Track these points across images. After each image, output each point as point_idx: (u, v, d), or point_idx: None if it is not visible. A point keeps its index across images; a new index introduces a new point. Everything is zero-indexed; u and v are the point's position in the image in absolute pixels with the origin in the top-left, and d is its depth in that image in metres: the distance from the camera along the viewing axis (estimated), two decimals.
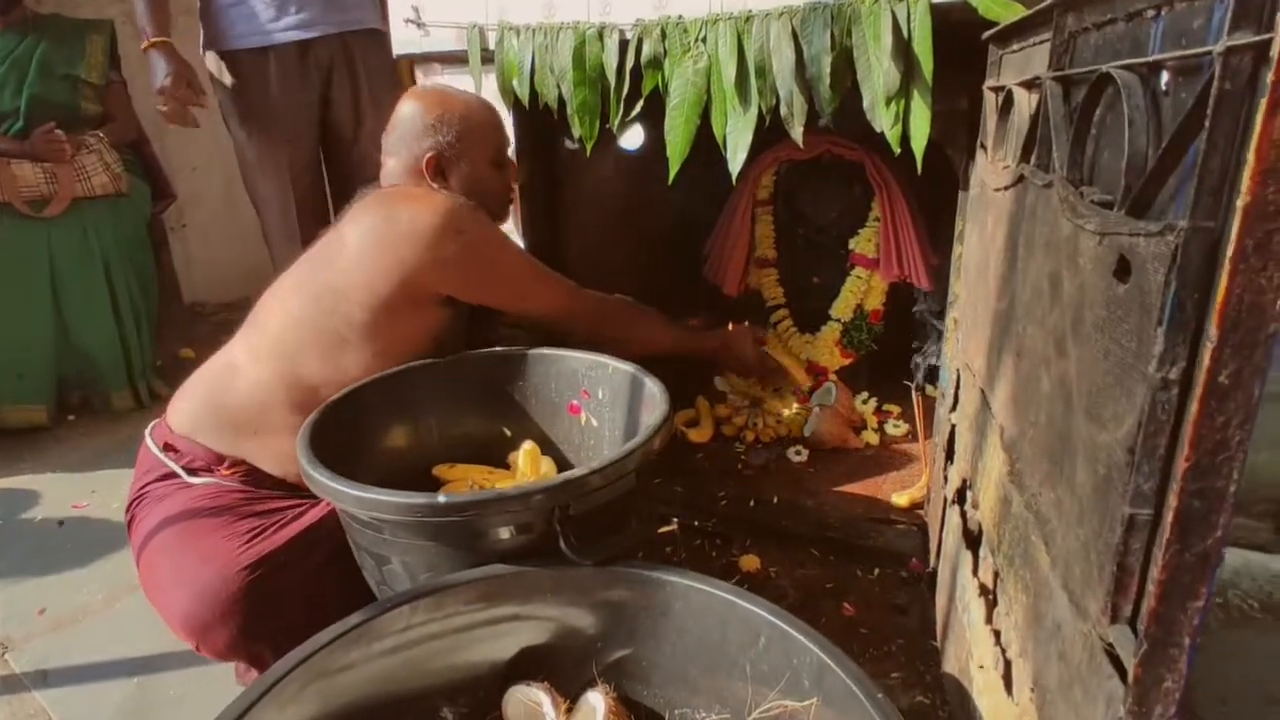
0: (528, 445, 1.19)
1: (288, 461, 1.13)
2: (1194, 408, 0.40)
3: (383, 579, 0.97)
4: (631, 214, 1.97)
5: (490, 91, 1.51)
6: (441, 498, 0.87)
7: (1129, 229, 0.48)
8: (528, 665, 0.91)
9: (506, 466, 1.28)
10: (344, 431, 1.10)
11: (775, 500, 1.62)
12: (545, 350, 1.33)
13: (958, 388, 1.16)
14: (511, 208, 1.37)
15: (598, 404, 1.25)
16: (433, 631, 0.87)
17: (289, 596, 1.01)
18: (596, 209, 1.82)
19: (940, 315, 1.78)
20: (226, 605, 0.98)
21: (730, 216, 2.15)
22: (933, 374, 1.83)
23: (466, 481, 1.19)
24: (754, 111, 1.21)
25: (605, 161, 1.82)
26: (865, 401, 2.04)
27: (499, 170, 1.32)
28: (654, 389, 1.13)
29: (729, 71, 1.21)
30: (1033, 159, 0.76)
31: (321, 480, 0.92)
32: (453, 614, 0.88)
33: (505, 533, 0.91)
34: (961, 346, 1.15)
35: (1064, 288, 0.60)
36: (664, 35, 1.27)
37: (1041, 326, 0.66)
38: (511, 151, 1.43)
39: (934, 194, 1.91)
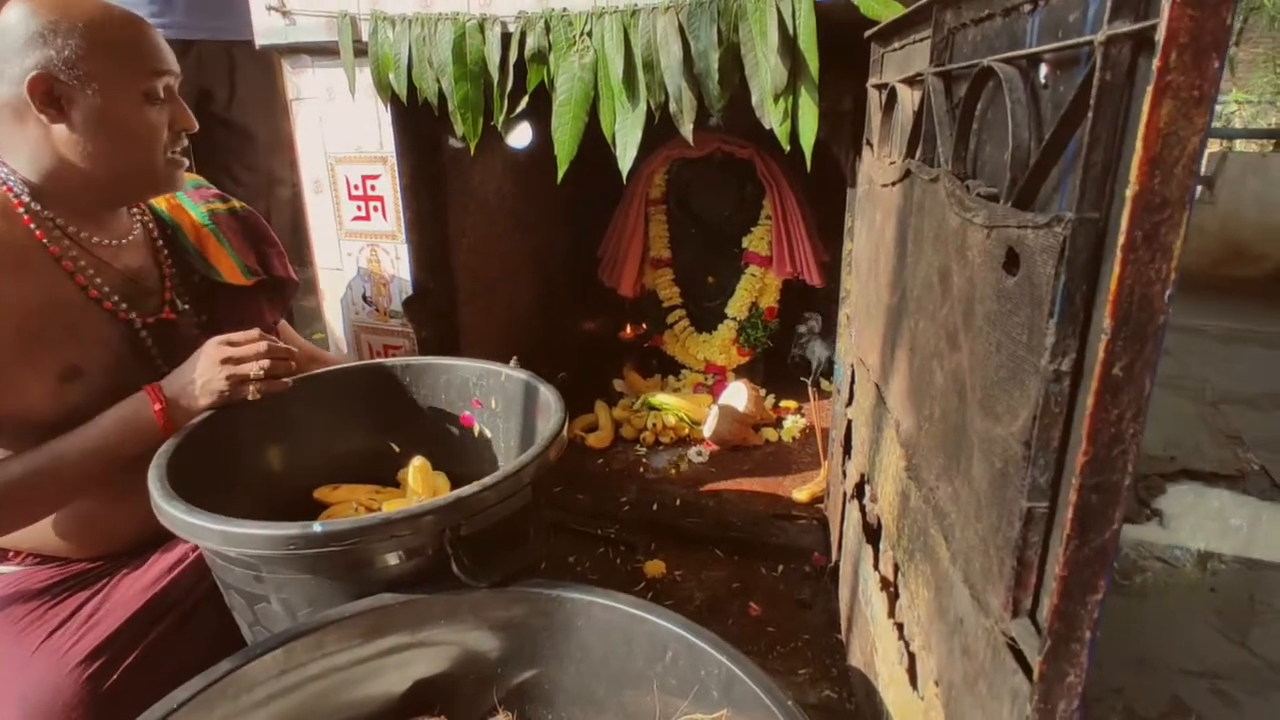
0: (418, 461, 1.15)
1: (76, 529, 0.98)
2: (1089, 401, 0.39)
3: (256, 620, 0.89)
4: (522, 215, 1.93)
5: (365, 86, 1.43)
6: (318, 526, 0.80)
7: (1016, 221, 0.48)
8: (423, 698, 0.86)
9: (396, 484, 1.23)
10: (209, 458, 1.01)
11: (678, 502, 1.62)
12: (434, 359, 1.29)
13: (853, 383, 1.17)
14: (182, 170, 1.06)
15: (491, 414, 1.22)
16: (313, 674, 0.80)
17: (147, 679, 0.88)
18: (485, 210, 1.77)
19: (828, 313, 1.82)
20: (64, 717, 0.83)
21: (623, 216, 2.14)
22: (829, 369, 1.87)
23: (351, 504, 1.13)
24: (643, 108, 1.19)
25: (492, 161, 1.77)
26: (765, 397, 2.07)
27: (151, 106, 0.96)
28: (549, 396, 1.11)
29: (616, 67, 1.18)
30: (918, 154, 0.77)
31: (178, 516, 0.83)
32: (335, 652, 0.81)
33: (393, 559, 0.86)
34: (855, 342, 1.17)
35: (954, 281, 0.60)
36: (548, 28, 1.23)
37: (933, 320, 0.66)
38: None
39: (823, 191, 1.96)
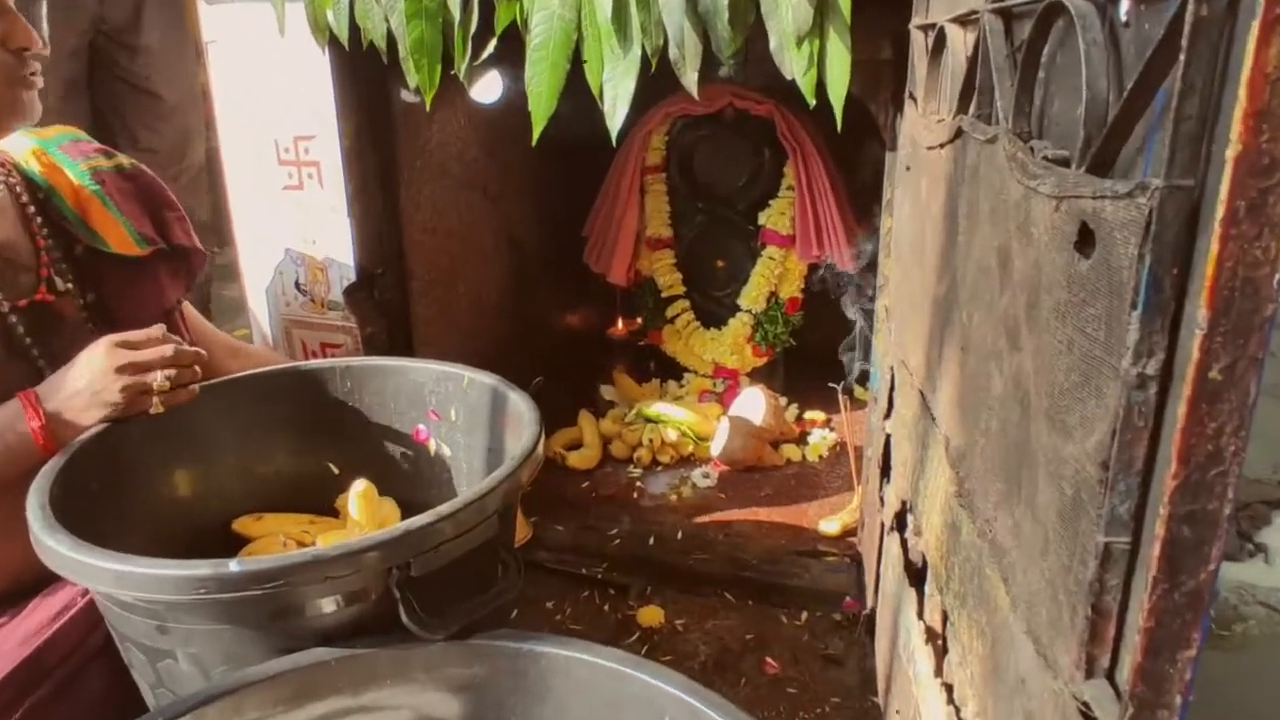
0: (360, 485, 1.14)
1: None
2: (1181, 412, 0.39)
3: (160, 681, 0.88)
4: (491, 185, 1.93)
5: (298, 26, 1.43)
6: (235, 565, 0.79)
7: (1091, 190, 0.47)
8: None
9: (334, 514, 1.23)
10: (101, 481, 1.00)
11: (679, 535, 1.62)
12: (382, 360, 1.28)
13: (892, 390, 1.17)
14: (32, 95, 1.03)
15: (450, 427, 1.22)
16: None
17: None
18: (445, 179, 1.77)
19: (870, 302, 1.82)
20: None
21: (614, 187, 2.14)
22: (864, 375, 1.87)
23: (277, 538, 1.13)
24: (636, 54, 1.19)
25: (454, 118, 1.77)
26: (785, 408, 2.07)
27: None
28: (521, 405, 1.10)
29: (604, 3, 1.18)
30: (971, 109, 0.76)
31: (63, 553, 0.82)
32: (258, 719, 0.81)
33: (329, 605, 0.85)
34: (895, 340, 1.16)
35: (1015, 265, 0.59)
36: None
37: (990, 313, 0.65)
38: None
39: (857, 156, 1.95)
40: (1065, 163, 0.54)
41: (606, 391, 2.14)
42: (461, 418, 1.21)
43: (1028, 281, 0.57)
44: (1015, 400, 0.59)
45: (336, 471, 1.24)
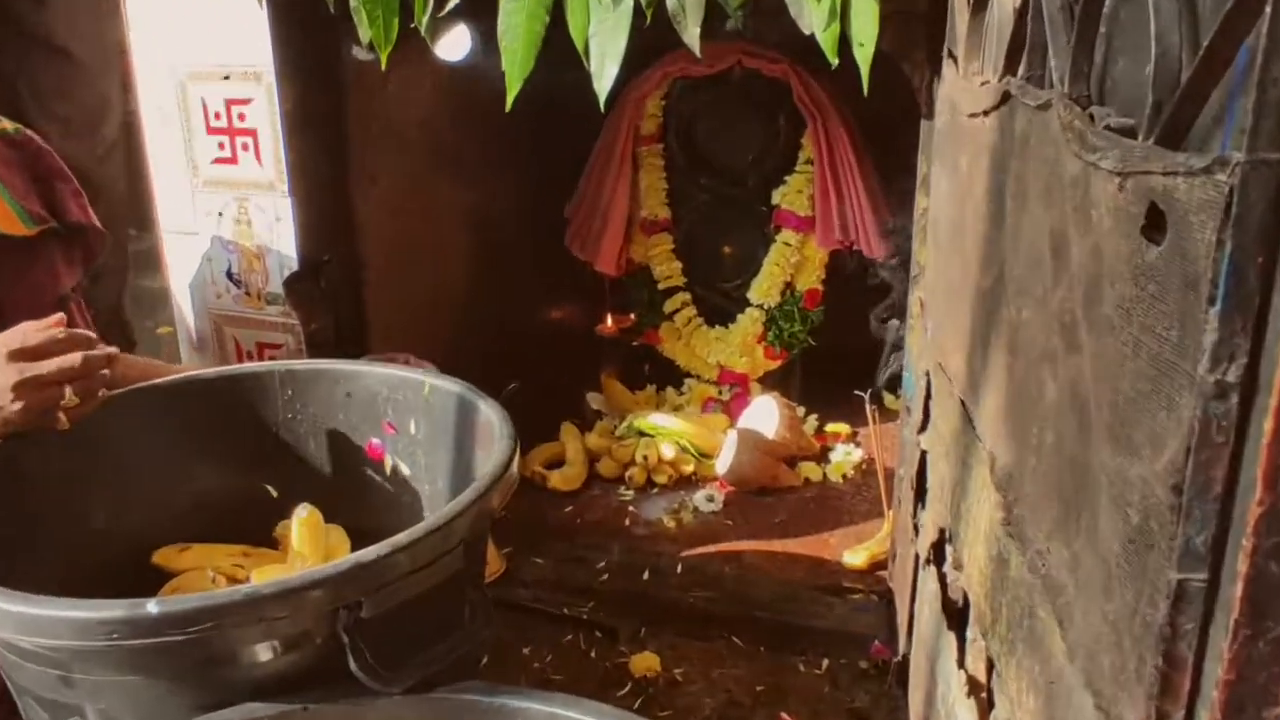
0: (304, 511, 1.15)
1: None
2: (1267, 426, 0.39)
3: None
4: (458, 157, 1.93)
5: None
6: (154, 605, 0.79)
7: (1162, 166, 0.47)
8: None
9: (273, 544, 1.24)
10: None
11: (679, 569, 1.62)
12: (329, 364, 1.29)
13: (928, 398, 1.17)
14: None
15: (410, 442, 1.22)
16: None
17: None
18: (403, 151, 1.77)
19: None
20: None
21: (602, 161, 2.14)
22: (895, 380, 1.87)
23: (205, 573, 1.13)
24: (629, 5, 1.19)
25: (414, 79, 1.77)
26: (804, 419, 2.07)
27: None
28: (492, 416, 1.11)
29: None
30: (1021, 70, 0.76)
31: None
32: None
33: (265, 652, 0.86)
34: (931, 339, 1.16)
35: (1072, 253, 0.59)
36: None
37: (1042, 309, 0.65)
38: None
39: (887, 125, 1.95)
40: (1131, 133, 0.54)
41: (594, 400, 2.14)
42: (422, 431, 1.21)
43: (1086, 272, 0.57)
44: (1072, 412, 0.59)
45: (275, 494, 1.25)
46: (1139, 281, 0.49)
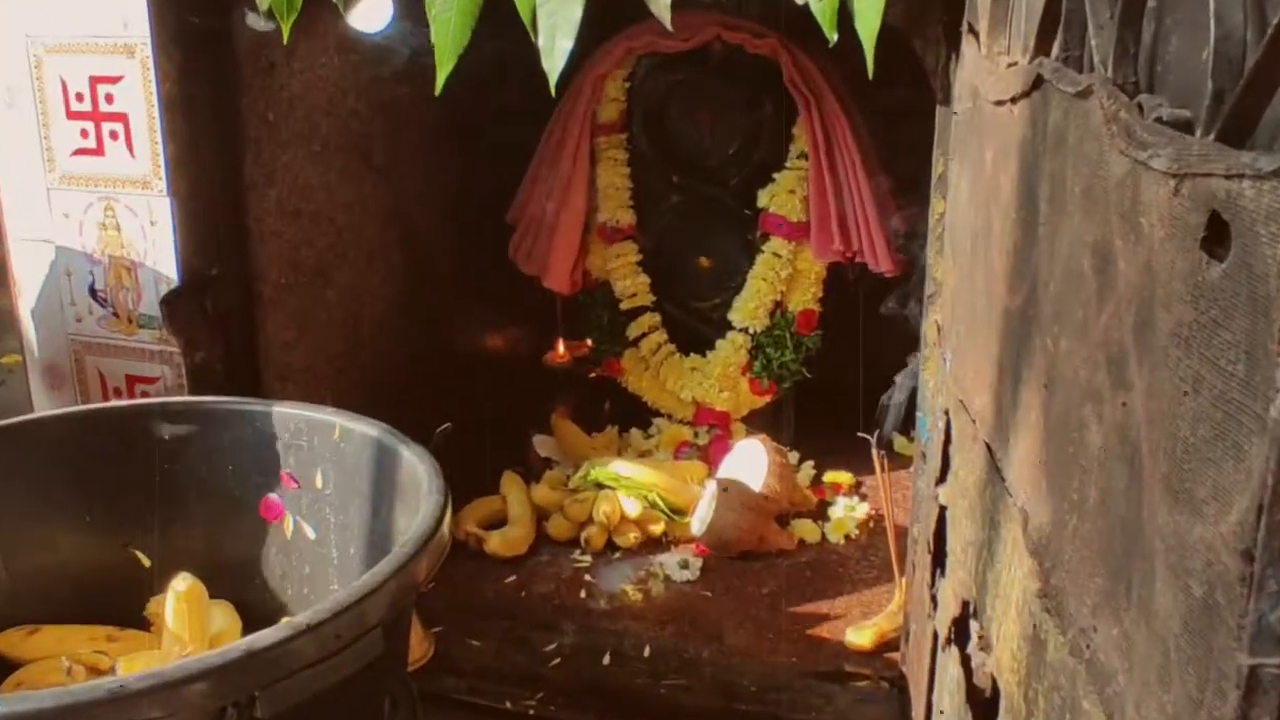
0: (182, 584, 1.14)
1: None
2: None
3: None
4: (377, 150, 1.93)
5: None
6: None
7: (1224, 167, 0.48)
8: None
9: (144, 625, 1.23)
10: None
11: (646, 652, 1.61)
12: (215, 401, 1.29)
13: (947, 443, 1.17)
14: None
15: (316, 498, 1.22)
16: None
17: None
18: (310, 140, 1.76)
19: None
20: None
21: (551, 155, 2.14)
22: (903, 417, 1.88)
23: (59, 662, 1.11)
24: None
25: (324, 55, 1.77)
26: (797, 466, 2.07)
27: None
28: (417, 466, 1.11)
29: None
30: (1055, 50, 0.77)
31: None
32: None
33: None
34: (951, 372, 1.17)
35: (1119, 269, 0.60)
36: None
37: (1084, 337, 0.66)
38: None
39: (896, 112, 1.97)
40: (1187, 126, 0.54)
41: (542, 444, 2.13)
42: (332, 484, 1.22)
43: (1136, 292, 0.57)
44: (1121, 461, 0.59)
45: (148, 563, 1.24)
46: (1199, 305, 0.50)
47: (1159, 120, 0.56)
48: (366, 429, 1.20)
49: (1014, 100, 0.87)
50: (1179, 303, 0.52)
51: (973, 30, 1.11)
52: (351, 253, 1.90)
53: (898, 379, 1.92)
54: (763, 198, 2.10)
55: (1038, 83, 0.79)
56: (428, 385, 2.05)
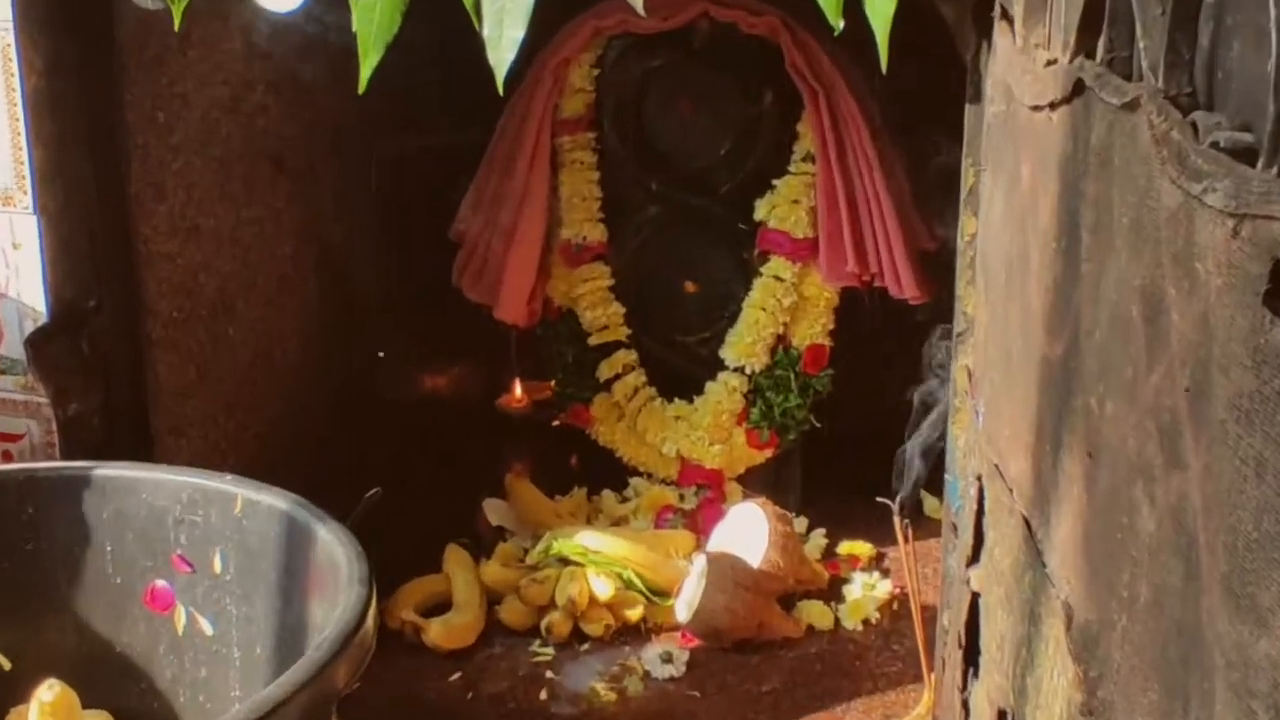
0: (50, 693, 1.12)
1: None
2: None
3: None
4: (289, 154, 1.92)
5: None
6: None
7: None
8: None
9: None
10: None
11: None
12: (89, 467, 1.28)
13: (980, 513, 1.18)
14: None
15: (214, 585, 1.22)
16: None
17: None
18: (208, 144, 1.76)
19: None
20: None
21: (503, 159, 2.14)
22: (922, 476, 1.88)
23: None
24: None
25: (225, 42, 1.77)
26: (804, 537, 2.07)
27: None
28: (336, 545, 1.10)
29: None
30: (1101, 51, 0.77)
31: None
32: None
33: None
34: (984, 429, 1.17)
35: (1171, 321, 0.60)
36: None
37: (1131, 400, 0.66)
38: None
39: (917, 109, 1.98)
40: (1250, 154, 0.55)
41: (494, 511, 2.11)
42: (233, 568, 1.21)
43: (1191, 351, 0.58)
44: (1175, 554, 0.60)
45: (8, 666, 1.23)
46: (1261, 372, 0.50)
47: (1215, 145, 0.56)
48: (275, 501, 1.19)
49: (1053, 106, 0.87)
50: (1238, 367, 0.52)
51: (1007, 16, 1.11)
52: (260, 279, 1.89)
53: (922, 425, 1.93)
54: (761, 209, 2.10)
55: (1079, 89, 0.80)
56: (353, 441, 2.04)
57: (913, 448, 1.81)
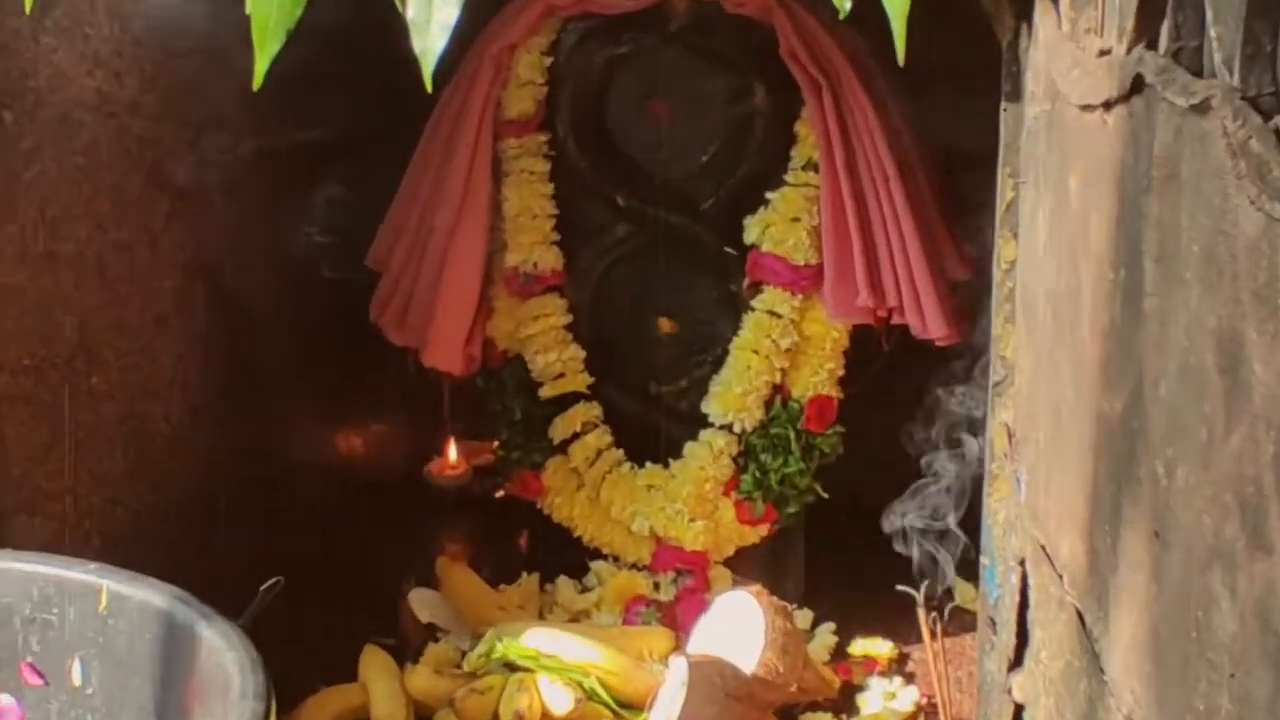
0: None
1: None
2: None
3: None
4: (168, 164, 1.92)
5: None
6: None
7: None
8: None
9: None
10: None
11: None
12: None
13: (1024, 605, 1.18)
14: None
15: (71, 701, 1.21)
16: None
17: None
18: (63, 148, 1.75)
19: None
20: None
21: (434, 168, 2.16)
22: (948, 560, 1.89)
23: None
24: None
25: (89, 26, 1.77)
26: (809, 634, 2.06)
27: None
28: (226, 652, 1.10)
29: None
30: (1164, 39, 0.78)
31: None
32: None
33: None
34: (1027, 501, 1.18)
35: (1253, 372, 0.60)
36: None
37: (1206, 467, 0.66)
38: None
39: (941, 108, 2.00)
40: None
41: (422, 604, 2.10)
42: (95, 681, 1.21)
43: (1278, 407, 0.58)
44: (1263, 657, 0.60)
45: None
46: None
47: None
48: (150, 595, 1.18)
49: (1107, 106, 0.88)
50: None
51: None
52: (134, 318, 1.89)
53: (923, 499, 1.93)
54: (752, 229, 2.11)
55: (1138, 85, 0.80)
56: (250, 519, 2.03)
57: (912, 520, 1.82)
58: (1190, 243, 0.70)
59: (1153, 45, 0.81)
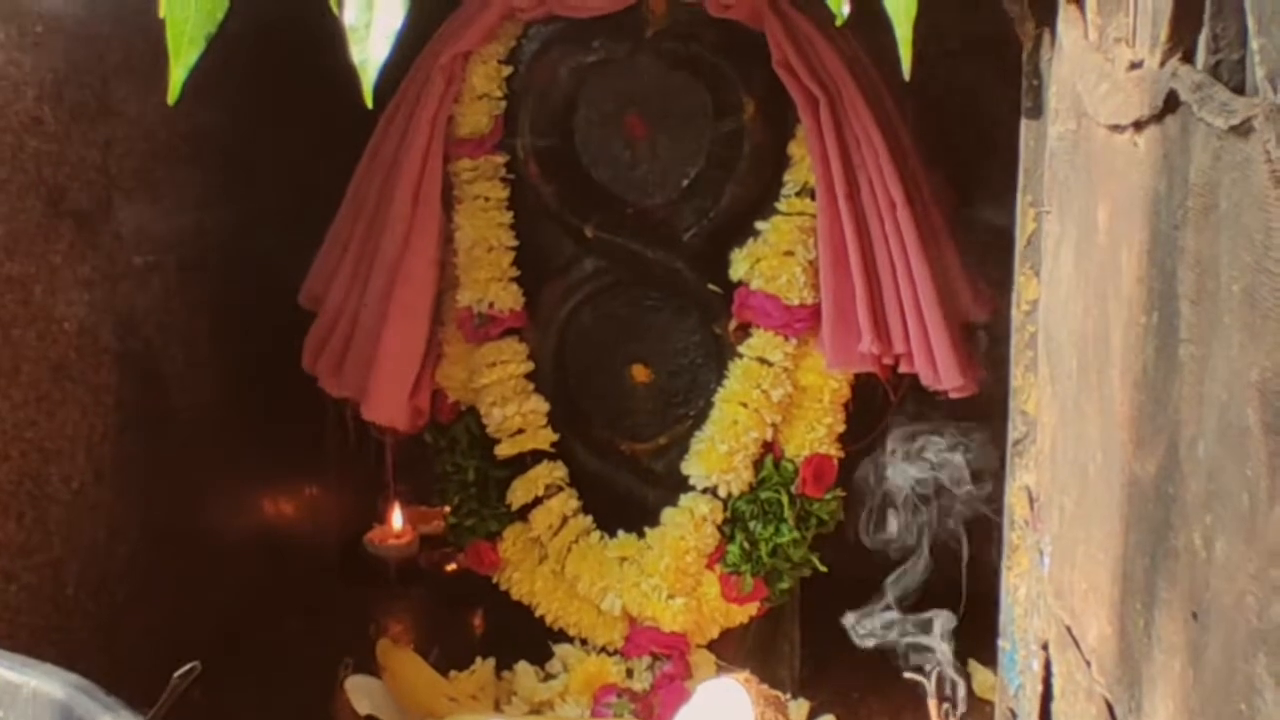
0: None
1: None
2: None
3: None
4: (77, 185, 1.92)
5: None
6: None
7: None
8: None
9: None
10: None
11: None
12: None
13: (1047, 695, 1.18)
14: None
15: None
16: None
17: None
18: None
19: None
20: None
21: (376, 194, 2.16)
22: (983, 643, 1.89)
23: None
24: None
25: None
26: None
27: None
28: None
29: None
30: (1202, 50, 0.78)
31: None
32: None
33: None
34: (1050, 574, 1.18)
35: None
36: None
37: (1250, 539, 0.66)
38: None
39: (951, 125, 2.01)
40: None
41: (360, 694, 2.09)
42: None
43: None
44: None
45: None
46: None
47: None
48: (47, 685, 1.17)
49: (1138, 126, 0.88)
50: None
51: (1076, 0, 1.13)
52: (27, 367, 1.88)
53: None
54: (740, 263, 2.11)
55: (1172, 102, 0.81)
56: (161, 594, 2.03)
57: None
58: (1230, 282, 0.70)
59: (1189, 58, 0.81)
